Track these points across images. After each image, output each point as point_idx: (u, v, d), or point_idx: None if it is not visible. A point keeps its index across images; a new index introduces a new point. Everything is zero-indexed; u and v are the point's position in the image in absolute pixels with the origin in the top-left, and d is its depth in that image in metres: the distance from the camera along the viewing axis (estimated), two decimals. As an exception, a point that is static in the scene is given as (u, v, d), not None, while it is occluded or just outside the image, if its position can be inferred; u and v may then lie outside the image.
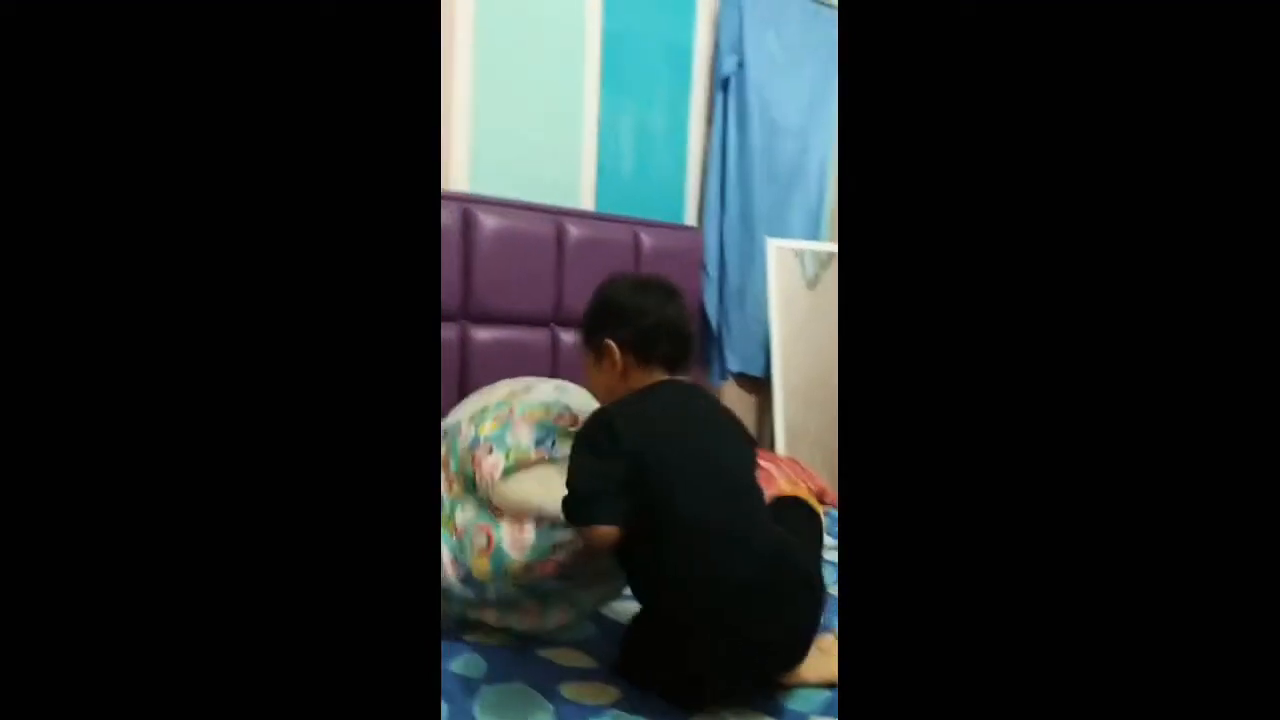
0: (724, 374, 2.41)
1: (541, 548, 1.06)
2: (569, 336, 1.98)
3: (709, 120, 2.32)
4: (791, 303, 2.43)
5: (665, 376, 1.13)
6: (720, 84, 2.28)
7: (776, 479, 1.76)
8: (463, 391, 1.81)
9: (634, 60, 2.15)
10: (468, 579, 1.08)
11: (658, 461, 0.97)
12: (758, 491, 1.10)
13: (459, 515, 1.12)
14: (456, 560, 1.09)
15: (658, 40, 2.19)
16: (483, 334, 1.83)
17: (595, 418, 1.06)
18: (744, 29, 2.28)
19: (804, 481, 1.82)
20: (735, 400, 2.49)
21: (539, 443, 1.14)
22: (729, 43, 2.28)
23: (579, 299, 1.98)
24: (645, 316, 1.12)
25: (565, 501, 0.97)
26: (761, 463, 1.81)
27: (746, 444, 1.16)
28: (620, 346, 1.11)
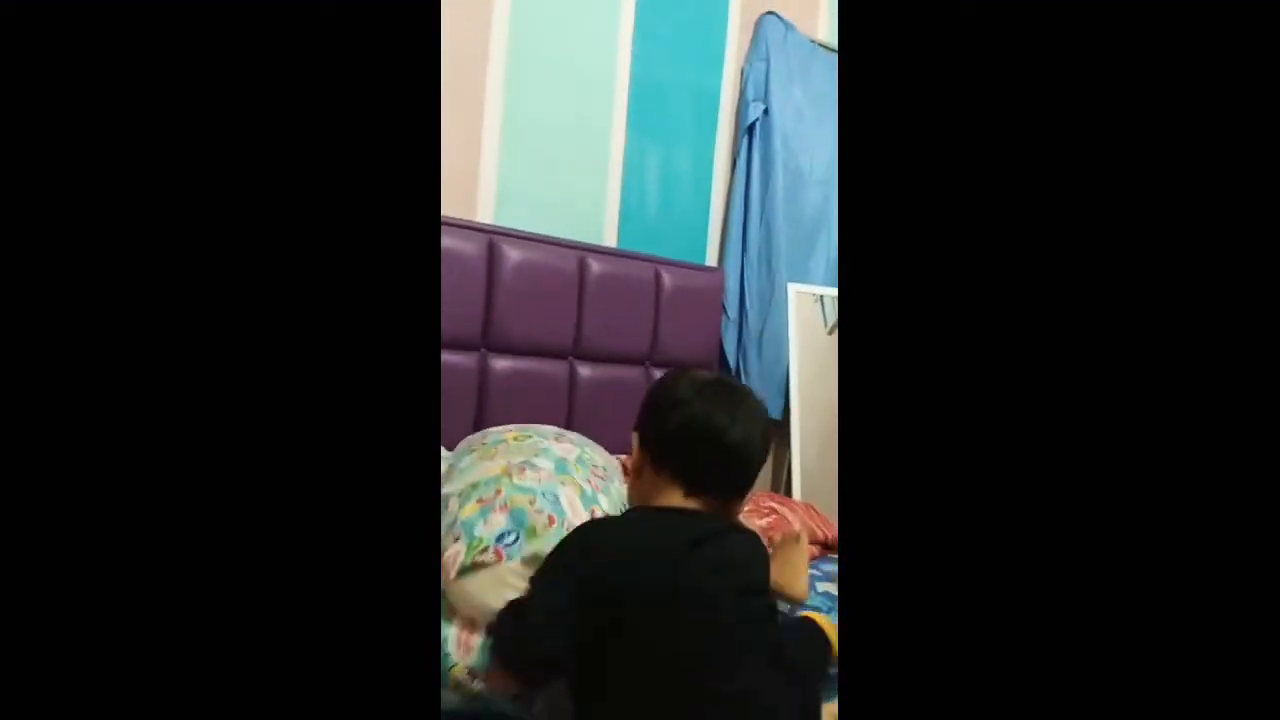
0: (741, 416, 2.40)
1: (486, 660, 0.91)
2: (586, 370, 1.99)
3: (733, 165, 2.36)
4: (811, 347, 2.43)
5: (683, 497, 0.92)
6: (745, 130, 2.32)
7: (791, 521, 1.74)
8: (479, 418, 1.82)
9: (661, 104, 2.20)
10: None
11: (612, 593, 0.81)
12: (755, 638, 0.86)
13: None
14: None
15: (685, 86, 2.25)
16: (502, 363, 1.85)
17: (570, 533, 0.92)
18: (770, 79, 2.34)
19: (819, 528, 1.80)
20: (751, 443, 2.47)
21: (501, 538, 0.95)
22: (755, 91, 2.33)
23: (598, 332, 2.01)
24: (671, 418, 0.92)
25: (500, 619, 0.87)
26: (775, 506, 1.79)
27: (756, 592, 0.93)
28: (641, 446, 0.96)
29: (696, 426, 0.92)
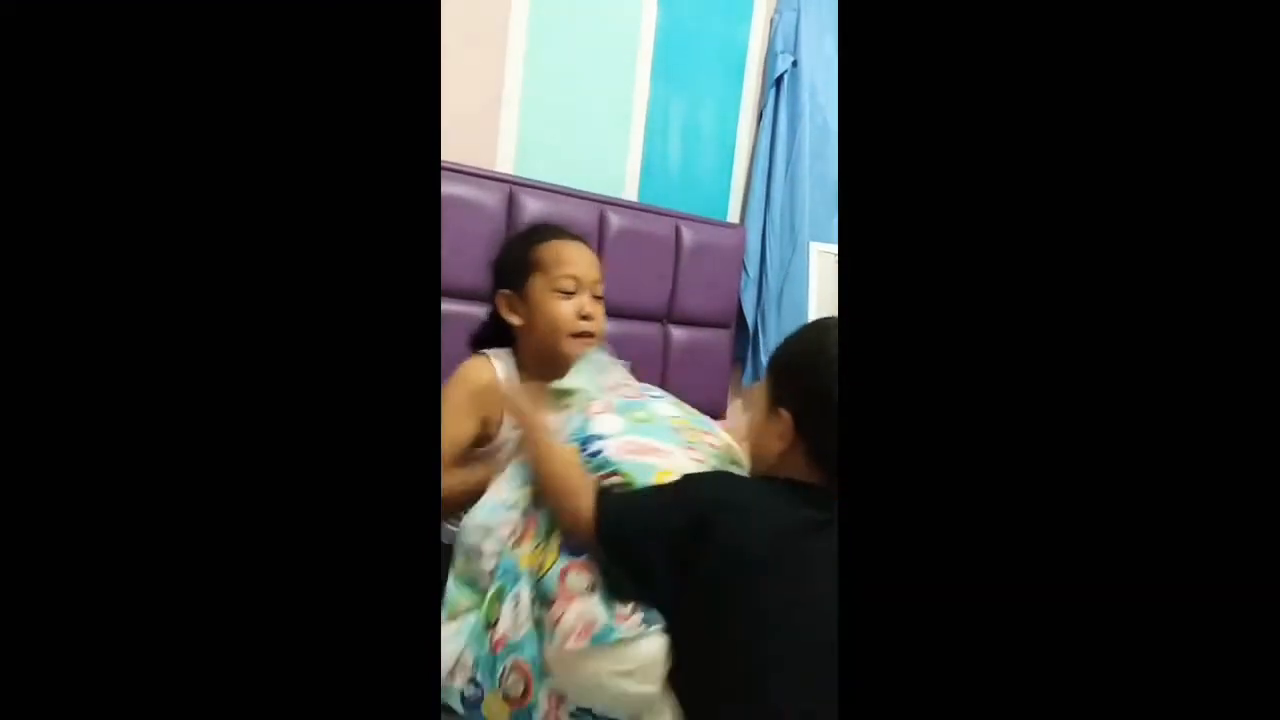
0: (758, 373, 2.39)
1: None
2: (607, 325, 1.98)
3: (759, 119, 2.31)
4: (830, 307, 2.41)
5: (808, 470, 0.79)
6: (773, 83, 2.27)
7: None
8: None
9: (686, 54, 2.15)
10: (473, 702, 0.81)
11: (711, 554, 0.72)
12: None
13: (504, 609, 0.82)
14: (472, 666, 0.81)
15: (711, 36, 2.19)
16: (519, 316, 1.85)
17: (701, 480, 0.81)
18: (800, 30, 2.27)
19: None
20: (767, 402, 2.47)
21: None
22: (785, 43, 2.26)
23: (615, 288, 2.00)
24: (825, 378, 0.75)
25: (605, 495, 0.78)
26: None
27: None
28: (777, 405, 0.81)
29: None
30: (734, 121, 2.29)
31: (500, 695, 0.79)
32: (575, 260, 1.18)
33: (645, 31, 2.07)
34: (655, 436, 0.89)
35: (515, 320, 1.17)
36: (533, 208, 1.83)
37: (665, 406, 1.00)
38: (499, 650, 0.80)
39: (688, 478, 0.81)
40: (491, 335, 1.23)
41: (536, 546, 0.84)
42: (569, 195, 1.91)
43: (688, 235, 2.11)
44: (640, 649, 0.73)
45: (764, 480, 0.83)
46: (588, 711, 0.76)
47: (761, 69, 2.31)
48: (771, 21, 2.29)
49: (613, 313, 2.03)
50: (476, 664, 0.81)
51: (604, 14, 2.00)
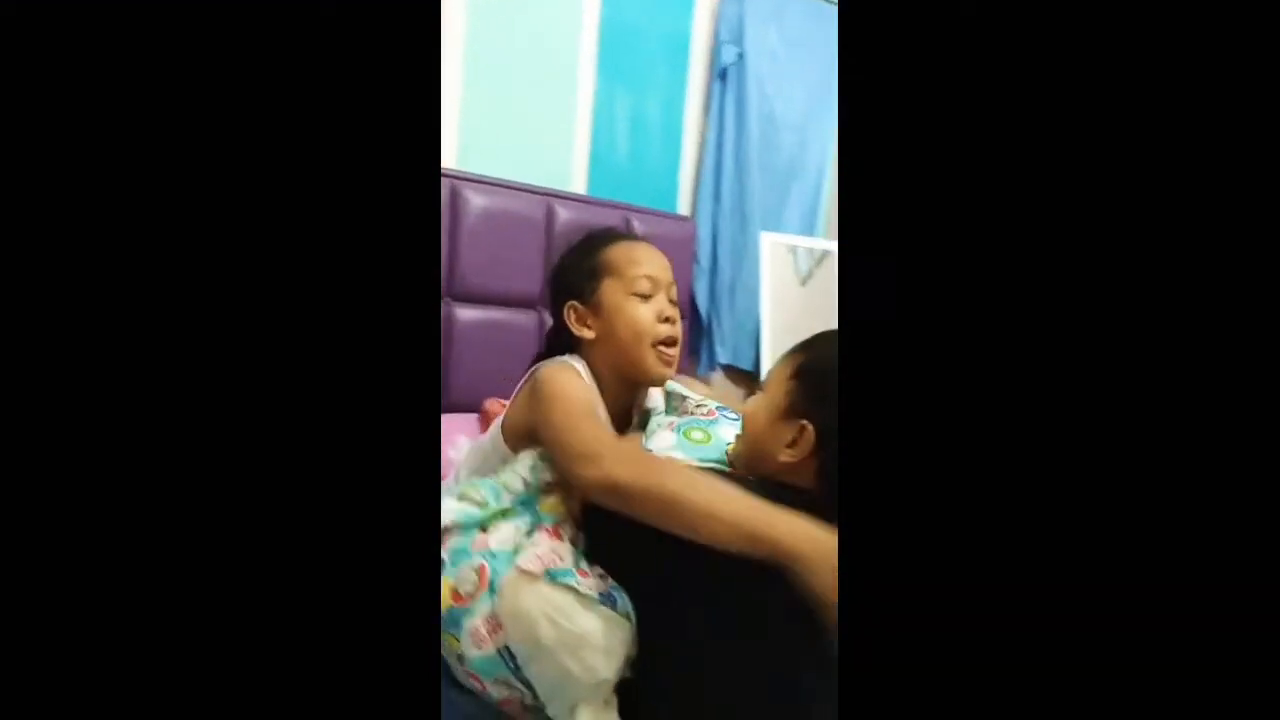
0: (713, 365, 2.39)
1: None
2: (555, 320, 1.96)
3: (706, 110, 2.30)
4: (783, 298, 2.41)
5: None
6: (719, 74, 2.26)
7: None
8: (444, 372, 1.79)
9: (630, 46, 2.13)
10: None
11: None
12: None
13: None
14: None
15: (655, 27, 2.18)
16: (467, 314, 1.81)
17: None
18: (745, 21, 2.27)
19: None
20: (724, 393, 2.47)
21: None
22: (729, 34, 2.26)
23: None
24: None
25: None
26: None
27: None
28: (817, 436, 0.78)
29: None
30: (680, 113, 2.28)
31: (451, 583, 0.81)
32: (648, 260, 1.04)
33: (588, 22, 2.05)
34: (702, 457, 0.87)
35: (587, 334, 1.02)
36: (477, 203, 1.79)
37: (728, 430, 0.97)
38: (476, 550, 0.83)
39: None
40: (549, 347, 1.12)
41: (562, 500, 0.87)
42: (515, 189, 1.88)
43: (638, 227, 2.09)
44: (583, 617, 0.74)
45: (769, 484, 0.79)
46: (511, 656, 0.76)
47: (707, 60, 2.30)
48: (716, 12, 2.29)
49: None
50: (452, 550, 0.84)
51: (545, 5, 1.97)
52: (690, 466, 0.78)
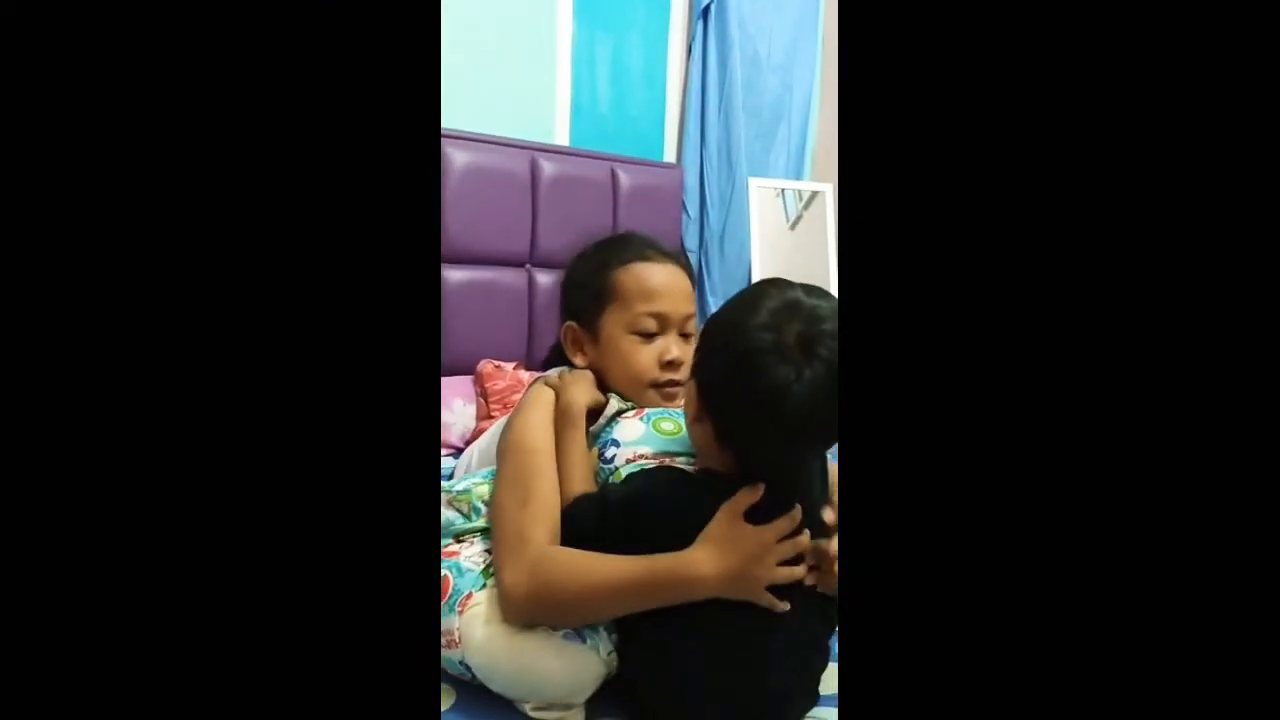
0: (705, 314, 2.38)
1: None
2: (546, 278, 1.93)
3: (689, 53, 2.24)
4: (773, 243, 2.39)
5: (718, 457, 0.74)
6: (699, 14, 2.19)
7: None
8: (437, 334, 1.77)
9: (609, -12, 2.06)
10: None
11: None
12: None
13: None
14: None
15: (634, -33, 2.11)
16: (456, 275, 1.78)
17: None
18: (724, -43, 2.20)
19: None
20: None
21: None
22: (709, -30, 2.19)
23: (555, 238, 1.95)
24: (720, 357, 0.70)
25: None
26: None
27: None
28: (716, 432, 0.72)
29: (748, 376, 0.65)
30: (663, 57, 2.22)
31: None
32: (663, 291, 0.90)
33: (563, -35, 1.98)
34: (669, 448, 0.83)
35: (580, 362, 0.92)
36: (460, 160, 1.75)
37: None
38: (445, 558, 0.83)
39: (630, 477, 0.78)
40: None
41: None
42: (498, 144, 1.83)
43: (625, 178, 2.05)
44: (546, 659, 0.72)
45: (702, 476, 0.76)
46: (469, 668, 0.76)
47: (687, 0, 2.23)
48: (694, -51, 2.21)
49: (554, 265, 1.99)
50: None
51: (518, -52, 1.89)
52: (597, 557, 0.73)
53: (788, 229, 2.45)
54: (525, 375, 1.69)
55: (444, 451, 1.62)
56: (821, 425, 0.66)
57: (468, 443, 1.60)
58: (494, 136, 1.83)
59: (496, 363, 1.75)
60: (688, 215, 2.28)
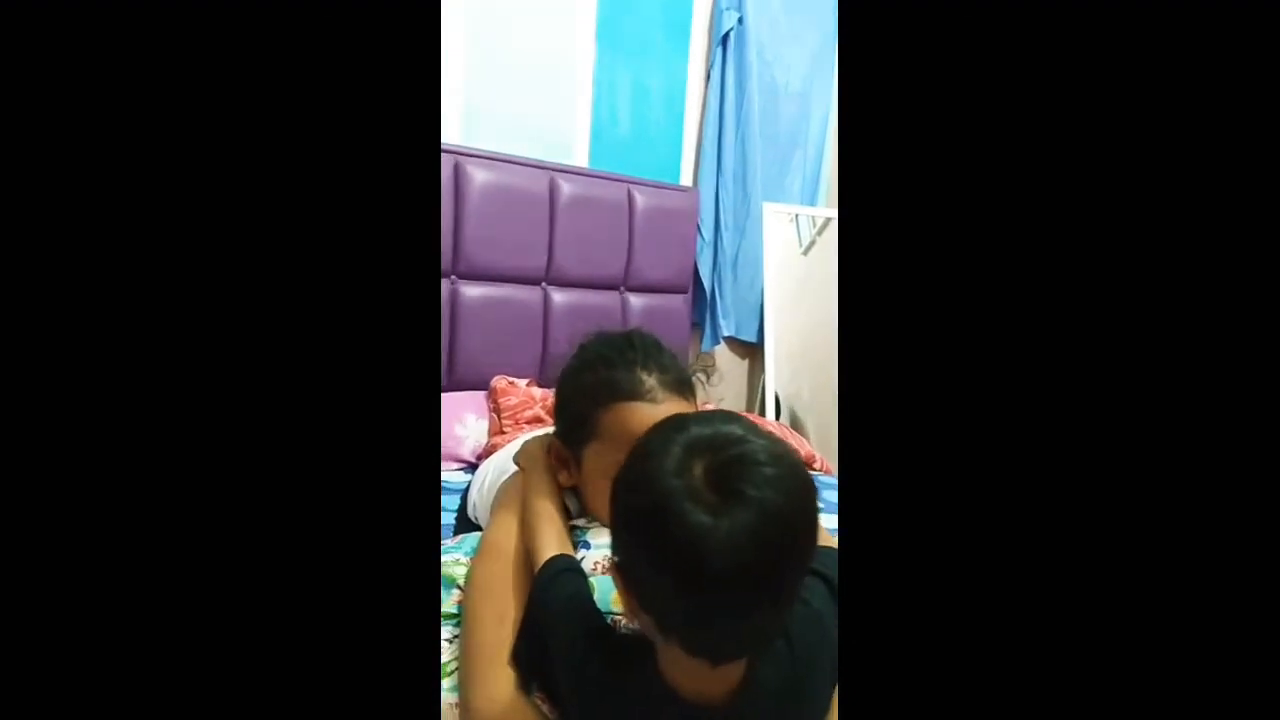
0: (717, 339, 2.39)
1: None
2: (560, 296, 1.95)
3: (707, 79, 2.27)
4: (786, 268, 2.41)
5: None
6: (719, 41, 2.23)
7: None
8: (451, 348, 1.79)
9: (629, 14, 2.09)
10: None
11: None
12: None
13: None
14: None
15: (656, -6, 2.14)
16: (473, 291, 1.81)
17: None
18: (745, -15, 2.23)
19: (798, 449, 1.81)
20: (728, 364, 2.48)
21: None
22: (729, -1, 2.23)
23: (571, 257, 1.97)
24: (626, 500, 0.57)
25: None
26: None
27: None
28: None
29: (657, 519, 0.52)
30: (682, 81, 2.25)
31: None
32: None
33: (587, -9, 2.01)
34: None
35: (563, 480, 0.87)
36: (480, 178, 1.78)
37: None
38: (451, 602, 0.83)
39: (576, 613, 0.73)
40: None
41: None
42: (518, 164, 1.86)
43: (641, 200, 2.07)
44: None
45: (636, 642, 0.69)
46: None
47: (708, 26, 2.27)
48: (715, -23, 2.25)
49: (569, 283, 2.01)
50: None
51: (544, -26, 1.93)
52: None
53: (800, 254, 2.47)
54: (538, 392, 1.71)
55: (455, 466, 1.64)
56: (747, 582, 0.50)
57: (480, 457, 1.61)
58: (515, 157, 1.86)
59: (510, 379, 1.77)
60: (702, 238, 2.30)
